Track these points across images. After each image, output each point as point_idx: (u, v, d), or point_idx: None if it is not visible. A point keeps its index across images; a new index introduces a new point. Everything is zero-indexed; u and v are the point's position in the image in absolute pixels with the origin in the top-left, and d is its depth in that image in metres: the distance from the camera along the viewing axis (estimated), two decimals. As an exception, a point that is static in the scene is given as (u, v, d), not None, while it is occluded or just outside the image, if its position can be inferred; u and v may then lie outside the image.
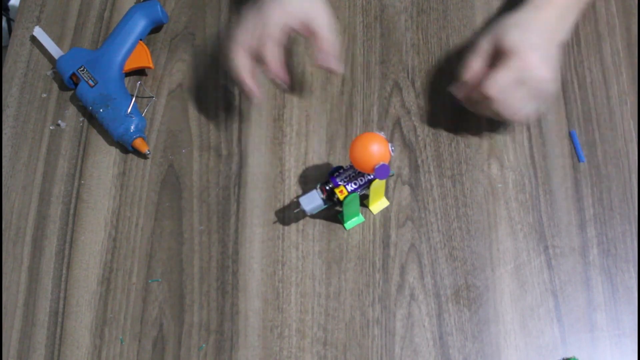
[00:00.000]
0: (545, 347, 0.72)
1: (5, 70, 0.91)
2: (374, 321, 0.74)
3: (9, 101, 0.89)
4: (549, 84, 0.72)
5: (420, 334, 0.73)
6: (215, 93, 0.86)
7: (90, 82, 0.83)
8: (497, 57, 0.72)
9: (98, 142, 0.85)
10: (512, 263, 0.75)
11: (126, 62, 0.86)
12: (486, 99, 0.72)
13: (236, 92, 0.86)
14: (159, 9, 0.88)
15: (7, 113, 0.88)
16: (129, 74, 0.88)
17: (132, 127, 0.81)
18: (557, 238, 0.76)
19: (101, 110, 0.82)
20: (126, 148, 0.83)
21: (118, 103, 0.82)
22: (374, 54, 0.87)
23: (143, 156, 0.83)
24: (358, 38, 0.88)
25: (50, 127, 0.87)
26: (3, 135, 0.87)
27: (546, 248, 0.76)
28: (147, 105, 0.86)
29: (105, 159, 0.84)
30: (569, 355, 0.71)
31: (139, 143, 0.82)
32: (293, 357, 0.73)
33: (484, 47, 0.74)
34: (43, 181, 0.83)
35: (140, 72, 0.88)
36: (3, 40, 0.92)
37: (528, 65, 0.70)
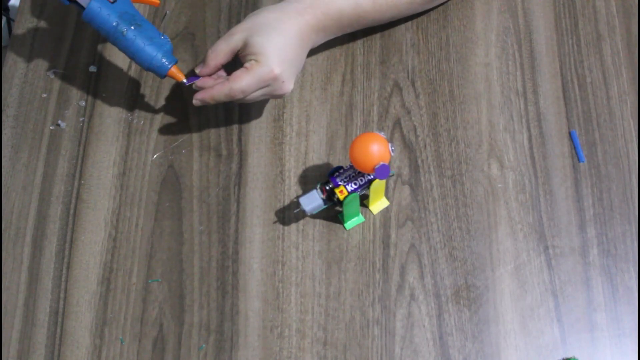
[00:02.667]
0: (545, 347, 0.72)
1: (5, 70, 0.91)
2: (374, 321, 0.74)
3: (9, 101, 0.89)
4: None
5: (420, 334, 0.73)
6: (215, 93, 0.86)
7: None
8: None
9: (98, 142, 0.85)
10: (512, 263, 0.75)
11: None
12: (228, 100, 0.75)
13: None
14: None
15: (7, 113, 0.88)
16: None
17: (171, 51, 0.74)
18: (557, 238, 0.76)
19: (132, 27, 0.70)
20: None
21: (147, 25, 0.73)
22: (374, 54, 0.87)
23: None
24: (358, 38, 0.88)
25: (50, 127, 0.86)
26: (3, 135, 0.87)
27: (546, 248, 0.76)
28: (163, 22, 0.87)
29: (105, 159, 0.84)
30: (569, 355, 0.71)
31: (175, 70, 0.76)
32: (293, 357, 0.73)
33: (239, 48, 0.76)
34: (43, 181, 0.83)
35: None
36: (3, 40, 0.92)
37: (268, 75, 0.74)
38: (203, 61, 0.77)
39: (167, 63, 0.74)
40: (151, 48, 0.72)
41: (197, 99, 0.76)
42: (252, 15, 0.77)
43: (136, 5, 0.76)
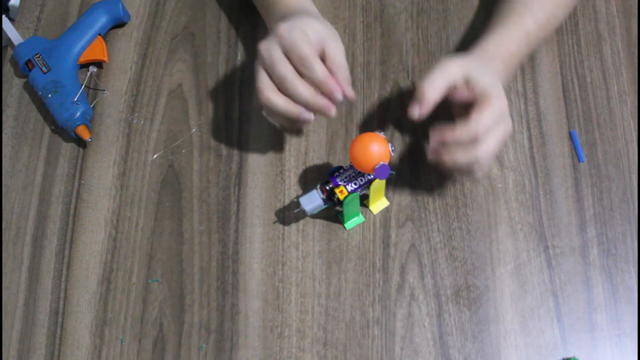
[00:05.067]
0: (545, 347, 0.72)
1: (5, 70, 0.91)
2: (374, 321, 0.74)
3: (9, 101, 0.89)
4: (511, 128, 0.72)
5: (420, 334, 0.73)
6: (215, 93, 0.87)
7: (44, 69, 0.85)
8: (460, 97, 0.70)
9: (98, 142, 0.85)
10: (512, 263, 0.75)
11: (82, 54, 0.88)
12: (467, 143, 0.67)
13: (236, 91, 0.86)
14: (121, 7, 0.90)
15: (7, 113, 0.88)
16: (85, 67, 0.89)
17: (78, 114, 0.83)
18: (557, 238, 0.76)
19: (49, 95, 0.83)
20: (85, 142, 0.85)
21: (67, 90, 0.84)
22: (374, 54, 0.87)
23: (84, 144, 0.85)
24: (358, 38, 0.88)
25: (51, 127, 0.87)
26: (3, 135, 0.87)
27: (546, 248, 0.76)
28: (98, 97, 0.87)
29: (105, 159, 0.84)
30: (569, 355, 0.71)
31: (81, 130, 0.83)
32: (293, 357, 0.73)
33: (457, 81, 0.69)
34: (43, 181, 0.83)
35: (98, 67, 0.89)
36: (3, 40, 0.92)
37: (505, 108, 0.69)
38: (418, 100, 0.68)
39: (72, 124, 0.83)
40: (60, 112, 0.83)
41: (436, 140, 0.68)
42: (451, 58, 0.70)
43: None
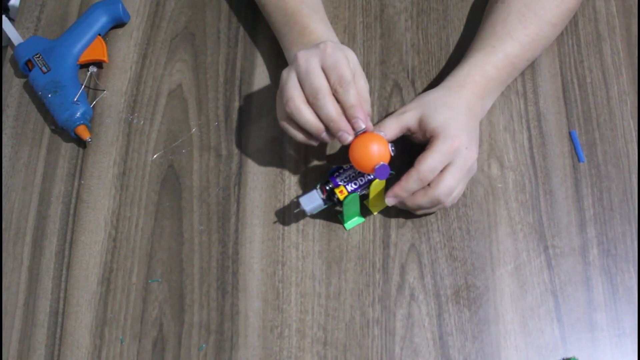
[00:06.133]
0: (545, 347, 0.72)
1: (5, 71, 0.91)
2: (374, 321, 0.74)
3: (9, 101, 0.89)
4: (475, 163, 0.73)
5: (420, 334, 0.73)
6: (215, 93, 0.87)
7: (44, 69, 0.85)
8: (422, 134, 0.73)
9: (98, 142, 0.85)
10: (512, 263, 0.75)
11: (82, 54, 0.88)
12: (420, 186, 0.71)
13: (236, 91, 0.86)
14: (121, 7, 0.90)
15: (7, 113, 0.88)
16: (84, 66, 0.89)
17: (78, 114, 0.83)
18: (557, 238, 0.76)
19: (49, 95, 0.84)
20: (85, 142, 0.85)
21: (67, 90, 0.84)
22: (374, 54, 0.87)
23: (84, 144, 0.85)
24: (358, 38, 0.88)
25: (51, 127, 0.87)
26: (3, 135, 0.87)
27: (546, 248, 0.76)
28: (98, 97, 0.87)
29: (105, 159, 0.84)
30: (569, 355, 0.71)
31: (81, 130, 0.83)
32: (293, 357, 0.73)
33: (411, 126, 0.73)
34: (43, 181, 0.83)
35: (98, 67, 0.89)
36: (3, 41, 0.92)
37: (454, 146, 0.70)
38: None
39: (72, 124, 0.83)
40: (60, 112, 0.83)
41: (390, 197, 0.72)
42: (418, 97, 0.76)
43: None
